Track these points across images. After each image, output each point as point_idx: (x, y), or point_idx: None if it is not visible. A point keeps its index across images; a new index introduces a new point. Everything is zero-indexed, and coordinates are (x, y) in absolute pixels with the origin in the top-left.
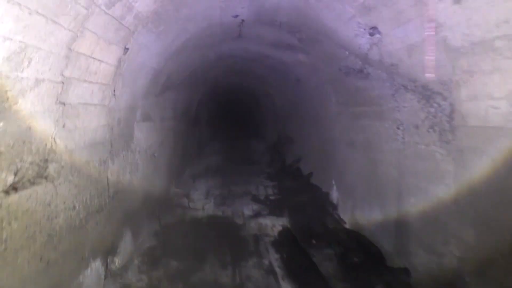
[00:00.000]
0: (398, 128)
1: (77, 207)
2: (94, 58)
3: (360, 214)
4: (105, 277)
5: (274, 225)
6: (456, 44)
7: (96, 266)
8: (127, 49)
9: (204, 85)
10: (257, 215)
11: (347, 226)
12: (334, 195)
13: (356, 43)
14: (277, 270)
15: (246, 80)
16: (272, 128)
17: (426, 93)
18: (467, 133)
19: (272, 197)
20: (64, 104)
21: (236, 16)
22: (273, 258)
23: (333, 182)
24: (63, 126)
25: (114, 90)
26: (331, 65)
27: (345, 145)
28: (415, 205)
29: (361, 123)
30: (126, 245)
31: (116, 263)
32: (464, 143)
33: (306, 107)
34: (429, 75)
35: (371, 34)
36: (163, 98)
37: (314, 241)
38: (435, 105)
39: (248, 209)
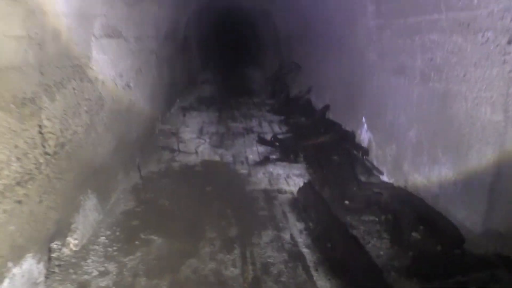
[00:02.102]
0: (509, 43)
1: None
2: None
3: (413, 166)
4: (47, 276)
5: (288, 175)
6: None
7: (24, 269)
8: None
9: (193, 0)
10: (265, 161)
11: (385, 179)
12: (365, 136)
13: None
14: (305, 252)
15: None
16: (274, 54)
17: None
18: None
19: (280, 136)
20: None
21: None
22: (295, 230)
23: (363, 120)
24: None
25: None
26: None
27: (388, 71)
28: None
29: (424, 39)
30: (87, 215)
31: (71, 246)
32: None
33: (323, 25)
34: None
35: None
36: (140, 9)
37: (347, 202)
38: None
39: (253, 152)
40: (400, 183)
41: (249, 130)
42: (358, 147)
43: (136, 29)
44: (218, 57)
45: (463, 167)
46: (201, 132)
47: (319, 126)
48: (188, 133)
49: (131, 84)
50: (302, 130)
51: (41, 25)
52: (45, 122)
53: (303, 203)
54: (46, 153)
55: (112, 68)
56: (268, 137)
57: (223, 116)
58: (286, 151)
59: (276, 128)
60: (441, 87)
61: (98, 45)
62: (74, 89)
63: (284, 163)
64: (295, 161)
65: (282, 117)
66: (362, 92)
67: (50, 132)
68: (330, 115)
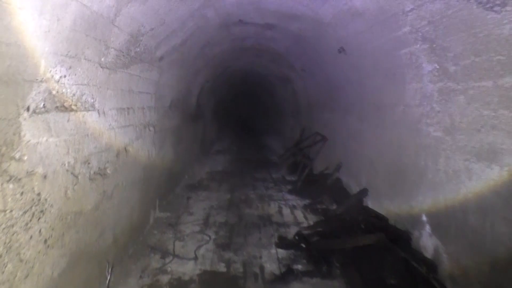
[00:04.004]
0: None
1: None
2: None
3: None
4: None
5: None
6: None
7: None
8: None
9: (207, 66)
10: (287, 275)
11: None
12: (427, 242)
13: None
14: None
15: (259, 62)
16: (294, 121)
17: None
18: None
19: (307, 232)
20: None
21: None
22: None
23: (424, 218)
24: None
25: None
26: None
27: (464, 154)
28: None
29: None
30: None
31: None
32: None
33: (354, 90)
34: None
35: None
36: (127, 74)
37: None
38: None
39: (271, 257)
40: None
41: (266, 220)
42: (419, 257)
43: (121, 99)
44: (234, 125)
45: None
46: (206, 222)
47: (358, 218)
48: (190, 225)
49: (109, 171)
50: (335, 223)
51: None
52: None
53: None
54: None
55: (68, 153)
56: (291, 231)
57: (236, 199)
58: (317, 258)
59: (300, 217)
60: None
61: (38, 124)
62: None
63: (315, 279)
64: (329, 274)
65: (307, 201)
66: (420, 180)
67: None
68: (369, 203)
